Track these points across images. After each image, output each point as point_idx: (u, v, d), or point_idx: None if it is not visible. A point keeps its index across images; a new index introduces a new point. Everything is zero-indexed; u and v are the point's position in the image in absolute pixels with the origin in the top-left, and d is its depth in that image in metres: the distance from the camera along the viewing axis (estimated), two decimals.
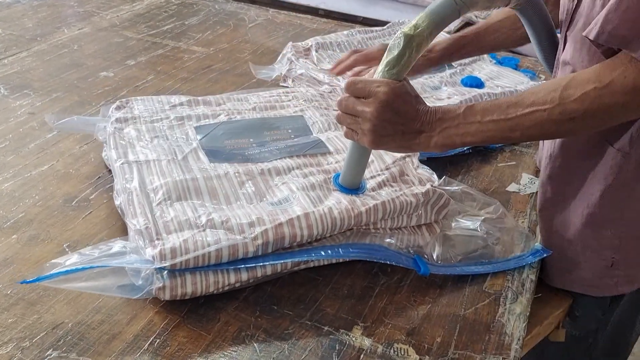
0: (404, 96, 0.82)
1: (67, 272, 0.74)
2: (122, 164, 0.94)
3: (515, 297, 0.85)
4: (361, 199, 0.88)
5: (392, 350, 0.75)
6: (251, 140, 1.03)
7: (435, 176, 0.97)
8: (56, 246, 0.87)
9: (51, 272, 0.74)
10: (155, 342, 0.74)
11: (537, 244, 0.93)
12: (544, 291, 0.96)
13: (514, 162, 1.15)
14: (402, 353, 0.75)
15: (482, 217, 0.94)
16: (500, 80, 1.36)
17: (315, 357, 0.73)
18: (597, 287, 0.96)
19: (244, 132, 1.05)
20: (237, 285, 0.80)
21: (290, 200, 0.88)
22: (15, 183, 1.01)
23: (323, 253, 0.83)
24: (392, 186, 0.92)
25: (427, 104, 0.83)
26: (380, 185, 0.92)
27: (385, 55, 0.83)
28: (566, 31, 0.89)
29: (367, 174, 0.93)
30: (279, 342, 0.75)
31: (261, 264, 0.80)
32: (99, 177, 1.03)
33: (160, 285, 0.76)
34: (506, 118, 0.78)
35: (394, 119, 0.81)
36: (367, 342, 0.76)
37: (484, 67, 1.42)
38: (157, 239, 0.78)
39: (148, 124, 1.05)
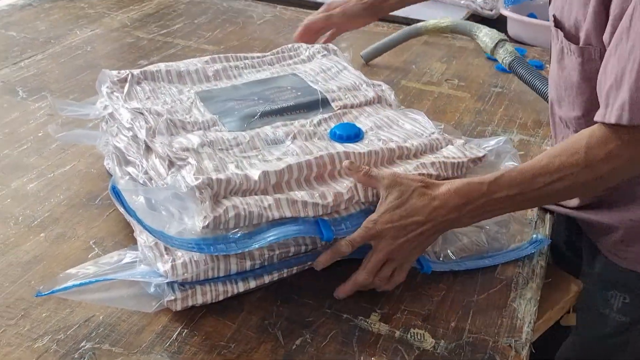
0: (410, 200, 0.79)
1: (80, 284, 0.76)
2: (127, 180, 0.92)
3: (525, 282, 0.88)
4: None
5: (409, 335, 0.78)
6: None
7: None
8: (83, 243, 0.91)
9: (65, 285, 0.76)
10: (183, 332, 0.77)
11: (538, 235, 0.96)
12: (555, 277, 0.99)
13: (522, 152, 1.17)
14: (419, 337, 0.78)
15: None
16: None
17: (337, 343, 0.77)
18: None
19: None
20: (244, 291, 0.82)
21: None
22: (39, 183, 1.04)
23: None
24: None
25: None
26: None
27: None
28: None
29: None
30: (301, 329, 0.78)
31: (269, 272, 0.82)
32: None
33: (172, 298, 0.78)
34: (535, 188, 0.78)
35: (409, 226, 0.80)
36: (384, 327, 0.79)
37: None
38: (167, 254, 0.79)
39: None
